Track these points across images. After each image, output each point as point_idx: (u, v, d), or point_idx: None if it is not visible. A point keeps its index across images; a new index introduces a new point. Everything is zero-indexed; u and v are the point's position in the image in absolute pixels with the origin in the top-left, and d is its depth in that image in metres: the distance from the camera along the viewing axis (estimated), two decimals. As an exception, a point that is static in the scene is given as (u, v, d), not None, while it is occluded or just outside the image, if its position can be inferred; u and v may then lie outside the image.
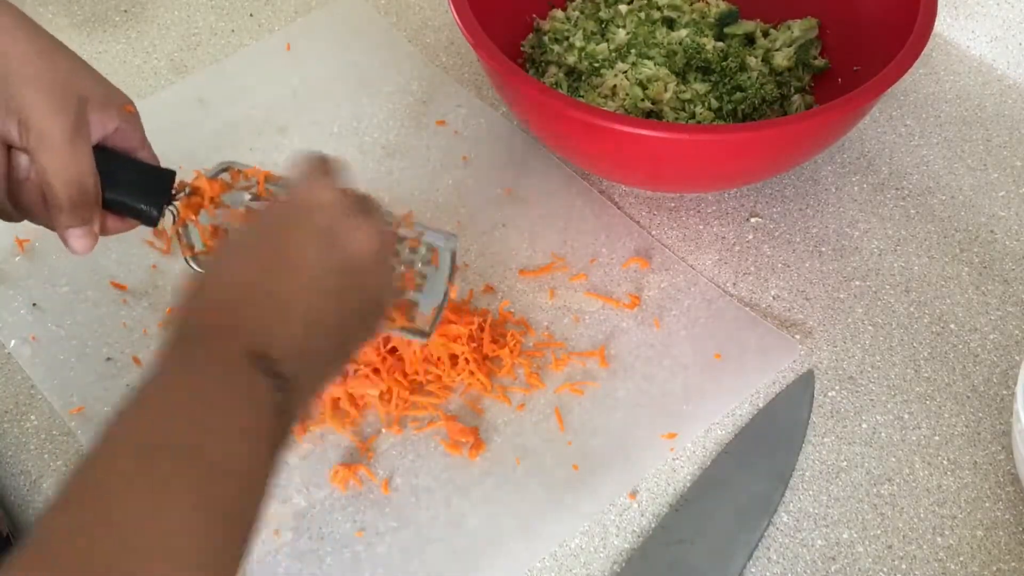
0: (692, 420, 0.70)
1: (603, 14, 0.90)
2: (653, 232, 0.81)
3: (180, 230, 0.64)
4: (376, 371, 0.69)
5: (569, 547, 0.65)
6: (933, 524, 0.65)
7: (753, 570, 0.64)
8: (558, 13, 0.91)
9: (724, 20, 0.89)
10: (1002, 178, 0.85)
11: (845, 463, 0.68)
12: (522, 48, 0.90)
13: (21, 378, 0.73)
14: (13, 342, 0.74)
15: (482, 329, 0.72)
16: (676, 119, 0.82)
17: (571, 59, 0.86)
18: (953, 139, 0.88)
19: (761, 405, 0.71)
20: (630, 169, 0.79)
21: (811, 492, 0.67)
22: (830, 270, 0.79)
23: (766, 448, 0.69)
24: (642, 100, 0.82)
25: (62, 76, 0.58)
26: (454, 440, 0.69)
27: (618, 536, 0.65)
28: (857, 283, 0.78)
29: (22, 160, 0.59)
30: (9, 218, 0.62)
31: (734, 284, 0.78)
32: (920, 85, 0.92)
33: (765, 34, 0.90)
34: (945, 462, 0.68)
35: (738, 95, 0.83)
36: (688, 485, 0.67)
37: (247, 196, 0.65)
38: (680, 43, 0.85)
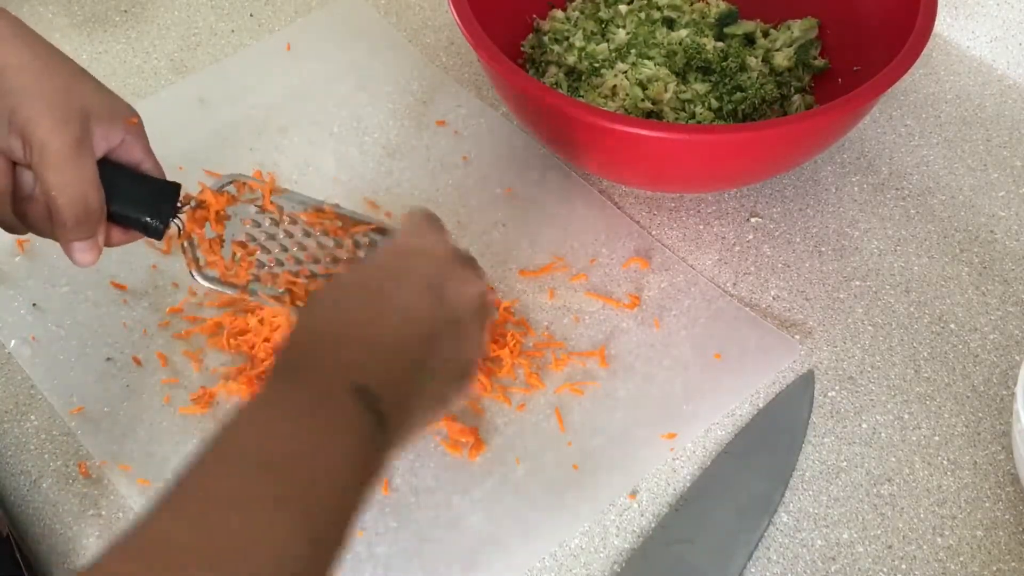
0: (692, 420, 0.70)
1: (603, 14, 0.90)
2: (653, 232, 0.81)
3: (185, 243, 0.64)
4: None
5: (569, 547, 0.65)
6: (933, 524, 0.66)
7: (753, 570, 0.64)
8: (558, 13, 0.91)
9: (724, 20, 0.89)
10: (1002, 178, 0.85)
11: (845, 463, 0.68)
12: (522, 48, 0.90)
13: (21, 378, 0.73)
14: (13, 342, 0.74)
15: (482, 329, 0.72)
16: (676, 119, 0.82)
17: (571, 59, 0.86)
18: (953, 139, 0.88)
19: (761, 405, 0.71)
20: (630, 169, 0.79)
21: (811, 492, 0.67)
22: (830, 270, 0.79)
23: (766, 448, 0.69)
24: (642, 100, 0.82)
25: (65, 90, 0.58)
26: (454, 440, 0.69)
27: (618, 536, 0.65)
28: (857, 283, 0.78)
29: (27, 176, 0.59)
30: (15, 231, 0.62)
31: (734, 284, 0.78)
32: (920, 85, 0.92)
33: (765, 34, 0.90)
34: (945, 462, 0.68)
35: (738, 95, 0.83)
36: (688, 485, 0.67)
37: (253, 209, 0.66)
38: (680, 43, 0.86)
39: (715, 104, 0.83)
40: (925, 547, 0.65)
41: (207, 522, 0.41)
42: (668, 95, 0.82)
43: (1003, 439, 0.69)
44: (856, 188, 0.84)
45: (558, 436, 0.69)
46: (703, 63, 0.85)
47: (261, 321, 0.72)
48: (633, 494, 0.67)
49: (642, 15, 0.88)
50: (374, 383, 0.49)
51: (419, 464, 0.68)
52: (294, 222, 0.65)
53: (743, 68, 0.85)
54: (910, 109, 0.90)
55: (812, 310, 0.76)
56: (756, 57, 0.86)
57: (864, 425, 0.70)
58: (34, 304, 0.76)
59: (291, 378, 0.49)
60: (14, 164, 0.59)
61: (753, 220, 0.82)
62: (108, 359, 0.73)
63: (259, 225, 0.65)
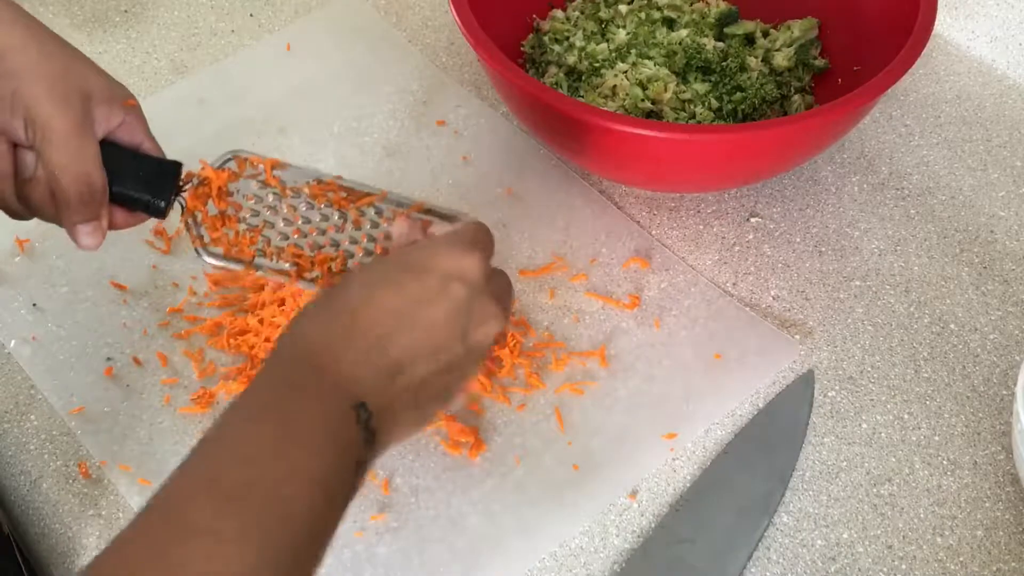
0: (692, 420, 0.70)
1: (603, 14, 0.90)
2: (653, 232, 0.81)
3: (189, 221, 0.64)
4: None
5: (569, 547, 0.65)
6: (933, 524, 0.65)
7: (753, 570, 0.64)
8: (558, 13, 0.91)
9: (724, 20, 0.89)
10: (1002, 178, 0.85)
11: (845, 463, 0.68)
12: (522, 48, 0.90)
13: (21, 378, 0.73)
14: (13, 342, 0.74)
15: (482, 329, 0.72)
16: (676, 119, 0.82)
17: (571, 59, 0.86)
18: (953, 139, 0.88)
19: (761, 405, 0.71)
20: (630, 169, 0.79)
21: (811, 492, 0.67)
22: (830, 270, 0.79)
23: (766, 448, 0.69)
24: (642, 100, 0.82)
25: (65, 72, 0.58)
26: (454, 440, 0.69)
27: (618, 536, 0.65)
28: (857, 283, 0.78)
29: (28, 158, 0.59)
30: (17, 216, 0.62)
31: (734, 284, 0.78)
32: (920, 85, 0.92)
33: (765, 34, 0.90)
34: (945, 462, 0.68)
35: (738, 95, 0.83)
36: (688, 485, 0.67)
37: (255, 184, 0.65)
38: (680, 43, 0.86)
39: (715, 104, 0.83)
40: (925, 547, 0.65)
41: (169, 559, 0.40)
42: (668, 95, 0.82)
43: (1003, 439, 0.69)
44: (856, 188, 0.84)
45: (558, 436, 0.69)
46: (703, 63, 0.85)
47: (261, 321, 0.72)
48: (633, 494, 0.67)
49: (642, 15, 0.88)
50: (372, 399, 0.49)
51: (419, 464, 0.68)
52: (297, 195, 0.65)
53: (743, 68, 0.85)
54: (910, 109, 0.90)
55: (812, 310, 0.76)
56: (756, 57, 0.86)
57: (864, 425, 0.70)
58: (34, 304, 0.76)
59: (290, 378, 0.49)
60: (15, 146, 0.59)
61: (753, 220, 0.82)
62: (108, 359, 0.73)
63: (262, 200, 0.65)
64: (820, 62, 0.88)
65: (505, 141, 0.87)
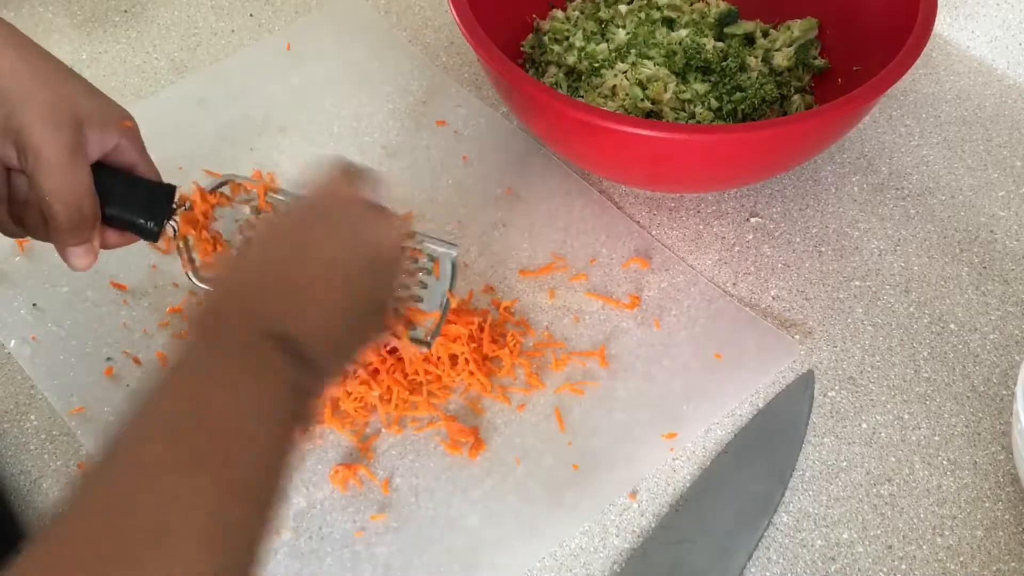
0: (692, 420, 0.70)
1: (603, 14, 0.90)
2: (653, 232, 0.81)
3: (181, 245, 0.64)
4: (376, 372, 0.70)
5: (569, 547, 0.65)
6: (933, 524, 0.65)
7: (753, 570, 0.64)
8: (558, 13, 0.91)
9: (724, 20, 0.89)
10: (1002, 178, 0.85)
11: (845, 463, 0.68)
12: (522, 48, 0.90)
13: (21, 378, 0.73)
14: (13, 342, 0.74)
15: (482, 329, 0.72)
16: (676, 119, 0.82)
17: (571, 59, 0.86)
18: (953, 139, 0.88)
19: (761, 405, 0.71)
20: (630, 169, 0.79)
21: (811, 492, 0.67)
22: (830, 270, 0.79)
23: (766, 448, 0.69)
24: (642, 100, 0.82)
25: (58, 96, 0.58)
26: (454, 440, 0.69)
27: (618, 536, 0.65)
28: (857, 283, 0.78)
29: (22, 181, 0.59)
30: (12, 235, 0.62)
31: (734, 284, 0.78)
32: (920, 85, 0.92)
33: (765, 34, 0.90)
34: (945, 462, 0.68)
35: (738, 95, 0.83)
36: (688, 485, 0.67)
37: (247, 210, 0.66)
38: (680, 43, 0.85)
39: (715, 104, 0.83)
40: (925, 547, 0.65)
41: (119, 508, 0.41)
42: (668, 95, 0.82)
43: (1003, 439, 0.69)
44: (856, 188, 0.84)
45: (558, 436, 0.69)
46: (703, 63, 0.85)
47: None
48: (633, 494, 0.67)
49: (642, 15, 0.88)
50: (294, 328, 0.50)
51: (419, 464, 0.68)
52: None
53: (743, 68, 0.85)
54: (910, 109, 0.90)
55: (812, 310, 0.76)
56: (756, 57, 0.86)
57: (864, 425, 0.70)
58: (34, 304, 0.76)
59: (205, 333, 0.50)
60: (8, 170, 0.59)
61: (753, 220, 0.82)
62: (108, 359, 0.73)
63: (255, 227, 0.65)
64: (820, 62, 0.88)
65: (505, 141, 0.87)
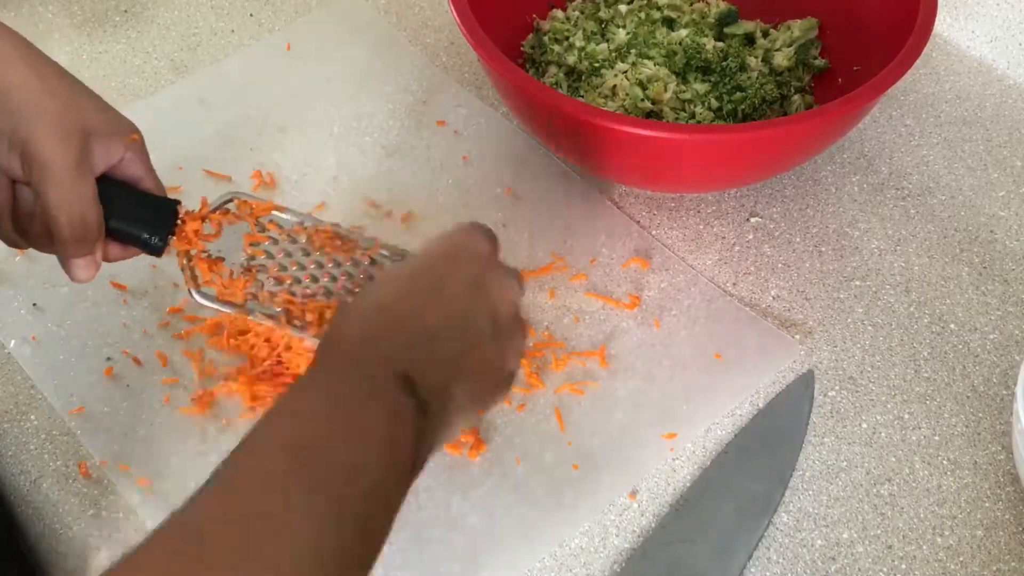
0: (692, 420, 0.70)
1: (603, 14, 0.90)
2: (653, 232, 0.81)
3: (184, 262, 0.64)
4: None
5: (569, 547, 0.65)
6: (933, 524, 0.65)
7: (753, 570, 0.64)
8: (558, 13, 0.91)
9: (724, 20, 0.89)
10: (1002, 178, 0.85)
11: (845, 463, 0.68)
12: (522, 48, 0.90)
13: (21, 378, 0.73)
14: (13, 342, 0.74)
15: (482, 329, 0.72)
16: (676, 119, 0.82)
17: (571, 59, 0.86)
18: (953, 139, 0.88)
19: (761, 405, 0.71)
20: (630, 169, 0.79)
21: (811, 492, 0.67)
22: (830, 270, 0.79)
23: (766, 448, 0.69)
24: (642, 100, 0.82)
25: (66, 109, 0.58)
26: (454, 440, 0.69)
27: (618, 536, 0.65)
28: (857, 283, 0.78)
29: (26, 193, 0.59)
30: (16, 246, 0.63)
31: (734, 284, 0.78)
32: (920, 85, 0.92)
33: (765, 34, 0.90)
34: (945, 462, 0.68)
35: (738, 95, 0.83)
36: (688, 485, 0.67)
37: (252, 227, 0.66)
38: (680, 43, 0.86)
39: (715, 104, 0.83)
40: (925, 547, 0.65)
41: (240, 510, 0.42)
42: (668, 95, 0.82)
43: (1003, 439, 0.69)
44: (856, 188, 0.84)
45: (558, 436, 0.69)
46: (703, 63, 0.85)
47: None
48: (633, 494, 0.67)
49: (642, 15, 0.88)
50: (414, 372, 0.50)
51: (419, 464, 0.68)
52: (293, 240, 0.66)
53: (743, 68, 0.85)
54: (910, 109, 0.90)
55: (812, 310, 0.76)
56: (756, 57, 0.86)
57: (864, 425, 0.70)
58: (34, 304, 0.76)
59: (334, 365, 0.50)
60: (14, 181, 0.59)
61: (753, 220, 0.82)
62: (108, 359, 0.73)
63: (257, 245, 0.65)
64: (820, 62, 0.88)
65: (505, 141, 0.87)
